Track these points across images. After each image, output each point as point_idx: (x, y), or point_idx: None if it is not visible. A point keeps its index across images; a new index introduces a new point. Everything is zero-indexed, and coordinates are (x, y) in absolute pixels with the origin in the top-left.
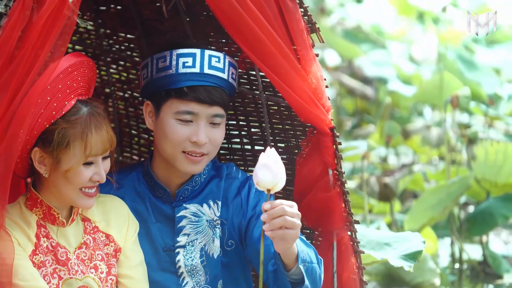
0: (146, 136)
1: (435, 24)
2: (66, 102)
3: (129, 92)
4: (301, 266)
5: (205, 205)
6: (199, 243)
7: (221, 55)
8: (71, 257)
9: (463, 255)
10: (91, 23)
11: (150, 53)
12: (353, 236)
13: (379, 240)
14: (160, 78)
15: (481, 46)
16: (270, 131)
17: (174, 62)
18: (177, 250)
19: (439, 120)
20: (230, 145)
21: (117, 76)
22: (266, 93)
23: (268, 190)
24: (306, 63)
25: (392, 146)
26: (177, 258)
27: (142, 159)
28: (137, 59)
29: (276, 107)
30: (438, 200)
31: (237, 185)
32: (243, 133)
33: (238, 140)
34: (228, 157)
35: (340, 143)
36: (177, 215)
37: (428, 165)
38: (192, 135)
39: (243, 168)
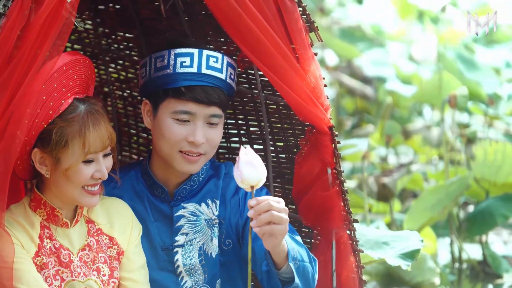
0: (145, 135)
1: (434, 24)
2: (62, 101)
3: (128, 91)
4: (291, 264)
5: (203, 204)
6: (198, 242)
7: (219, 55)
8: (74, 259)
9: (462, 254)
10: (89, 23)
11: (149, 52)
12: (352, 235)
13: (377, 239)
14: (158, 77)
15: (481, 46)
16: (269, 130)
17: (172, 62)
18: (175, 249)
19: (439, 120)
20: (228, 144)
21: (116, 75)
22: (264, 92)
23: (252, 187)
24: (305, 62)
25: (392, 146)
26: (176, 257)
27: (141, 158)
28: (136, 58)
29: (275, 106)
30: (437, 200)
31: (235, 184)
32: (242, 132)
33: (237, 139)
34: (226, 156)
35: (339, 142)
36: (176, 214)
37: (428, 164)
38: (189, 135)
39: None
